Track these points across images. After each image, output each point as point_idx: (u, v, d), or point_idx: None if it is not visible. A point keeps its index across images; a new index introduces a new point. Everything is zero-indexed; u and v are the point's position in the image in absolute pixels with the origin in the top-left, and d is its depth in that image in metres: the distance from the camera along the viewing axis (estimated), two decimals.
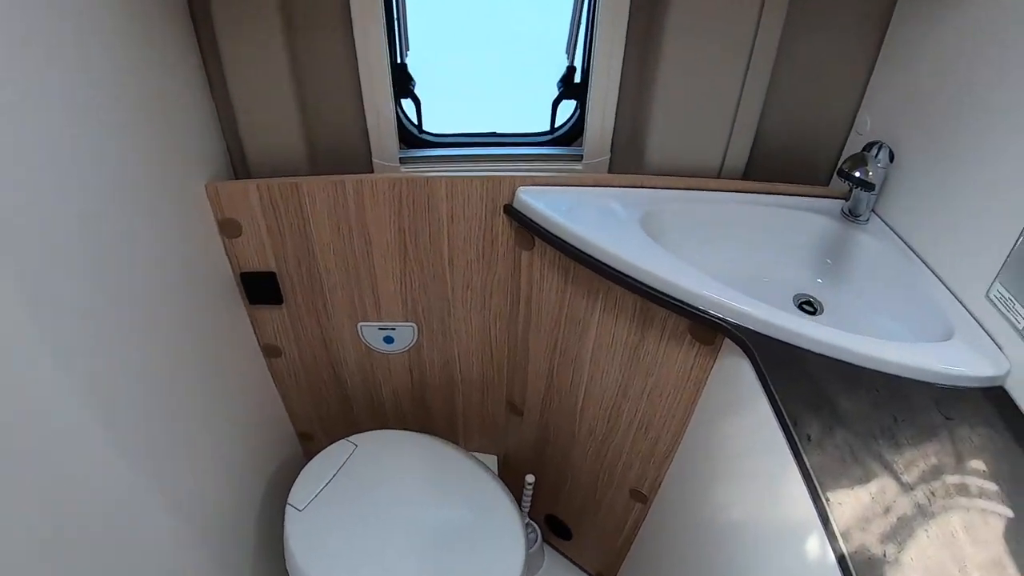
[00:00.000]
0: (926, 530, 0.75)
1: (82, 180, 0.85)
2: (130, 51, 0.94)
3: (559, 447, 1.53)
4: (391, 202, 1.19)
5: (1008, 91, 0.97)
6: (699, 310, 0.99)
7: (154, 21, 1.00)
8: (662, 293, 1.01)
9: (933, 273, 1.11)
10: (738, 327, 0.97)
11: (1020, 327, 0.94)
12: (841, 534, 0.73)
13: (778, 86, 1.22)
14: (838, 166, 1.15)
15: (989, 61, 1.00)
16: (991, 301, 1.00)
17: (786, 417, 0.83)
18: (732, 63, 1.17)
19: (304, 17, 1.10)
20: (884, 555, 0.72)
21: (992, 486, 0.82)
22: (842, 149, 1.34)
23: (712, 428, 1.11)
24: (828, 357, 0.93)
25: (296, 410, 1.62)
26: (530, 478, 1.60)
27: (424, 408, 1.66)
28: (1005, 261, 0.97)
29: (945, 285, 1.09)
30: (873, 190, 1.13)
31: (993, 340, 1.00)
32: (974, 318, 1.03)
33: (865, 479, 0.78)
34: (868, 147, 1.17)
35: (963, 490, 0.81)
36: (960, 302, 1.06)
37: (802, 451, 0.79)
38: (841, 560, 0.71)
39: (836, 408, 0.86)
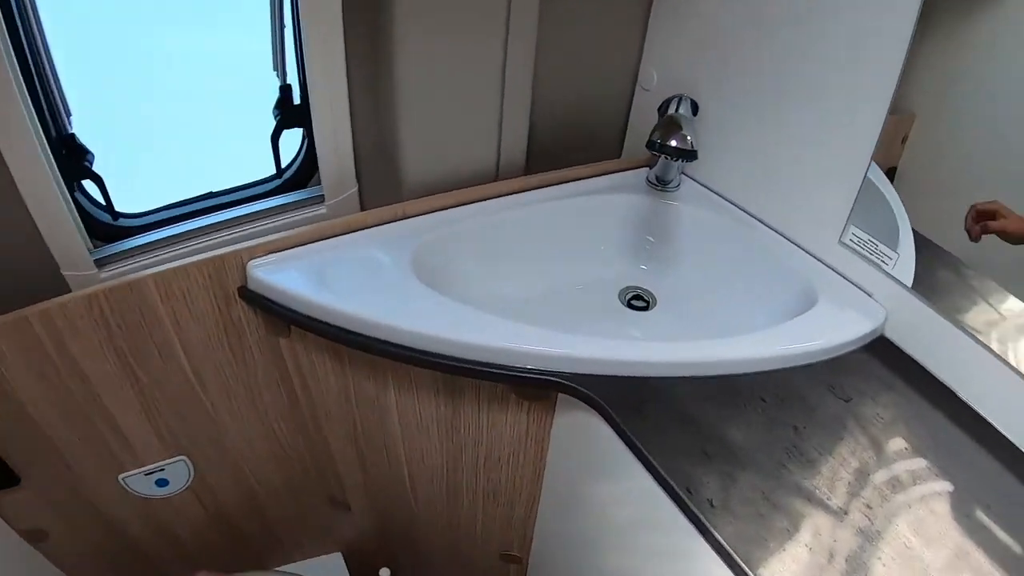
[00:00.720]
0: (879, 557, 0.61)
1: None
2: None
3: (402, 529, 1.37)
4: (95, 325, 0.90)
5: (781, 22, 0.89)
6: (506, 369, 0.77)
7: None
8: (454, 359, 0.78)
9: (773, 230, 0.99)
10: (563, 375, 0.76)
11: (888, 267, 0.86)
12: None
13: (547, 59, 1.06)
14: (648, 138, 0.98)
15: (752, 8, 0.92)
16: (848, 247, 0.90)
17: (675, 487, 0.63)
18: (487, 42, 0.98)
19: None
20: None
21: (920, 462, 0.72)
22: (629, 112, 1.21)
23: (577, 489, 0.92)
24: (693, 378, 0.76)
25: None
26: (384, 572, 1.40)
27: (236, 535, 1.40)
28: (856, 199, 0.87)
29: (791, 241, 0.97)
30: (696, 157, 0.96)
31: (861, 289, 0.90)
32: (834, 270, 0.93)
33: (794, 528, 0.62)
34: (665, 105, 1.02)
35: (897, 485, 0.69)
36: (813, 256, 0.95)
37: (710, 526, 0.60)
38: None
39: (728, 446, 0.68)
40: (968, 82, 0.76)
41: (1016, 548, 0.66)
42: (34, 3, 0.83)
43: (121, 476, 1.11)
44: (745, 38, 0.95)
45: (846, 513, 0.64)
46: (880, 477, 0.69)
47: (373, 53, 0.94)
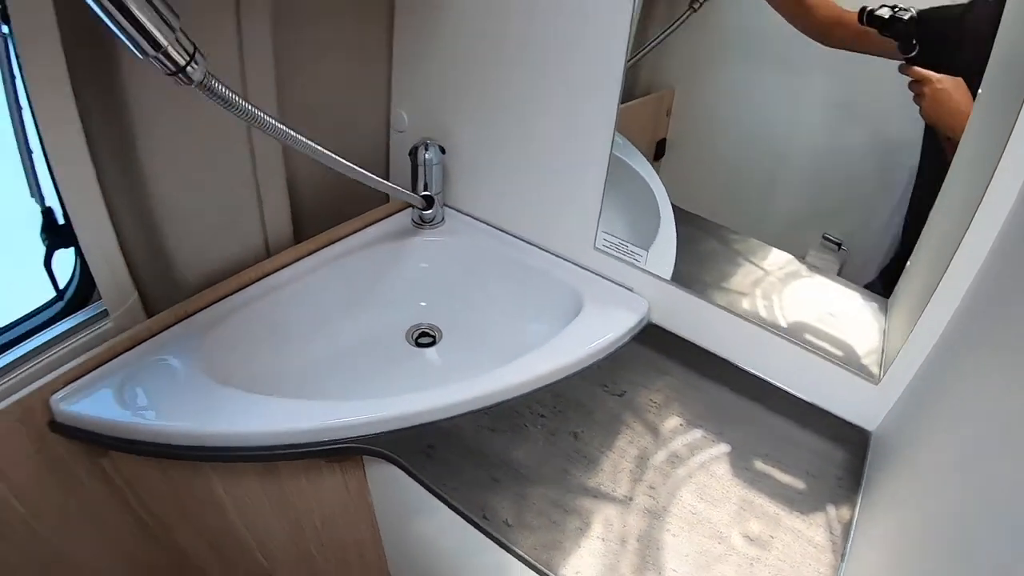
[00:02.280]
0: (668, 529, 0.72)
1: None
2: None
3: None
4: None
5: (515, 51, 1.00)
6: (303, 447, 0.84)
7: None
8: (252, 449, 0.84)
9: (534, 246, 1.11)
10: (356, 439, 0.84)
11: (641, 263, 0.98)
12: None
13: (295, 122, 1.09)
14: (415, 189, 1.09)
15: (487, 41, 1.03)
16: (602, 251, 1.02)
17: (472, 518, 0.72)
18: (228, 134, 1.03)
19: None
20: None
21: (697, 433, 0.84)
22: (388, 156, 1.30)
23: (410, 530, 0.99)
24: (473, 412, 0.85)
25: None
26: None
27: None
28: (601, 208, 0.99)
29: (552, 253, 1.09)
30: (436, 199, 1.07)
31: (622, 286, 1.03)
32: (595, 273, 1.05)
33: (586, 525, 0.72)
34: (415, 151, 1.11)
35: (676, 461, 0.80)
36: (575, 264, 1.07)
37: (509, 543, 0.69)
38: None
39: (515, 467, 0.77)
40: (722, 57, 0.89)
41: (797, 483, 0.78)
42: None
43: None
44: (474, 74, 1.07)
45: (631, 499, 0.74)
46: (659, 458, 0.80)
47: (122, 160, 0.95)
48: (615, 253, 1.00)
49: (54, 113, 0.85)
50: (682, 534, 0.71)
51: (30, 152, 0.91)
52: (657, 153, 0.98)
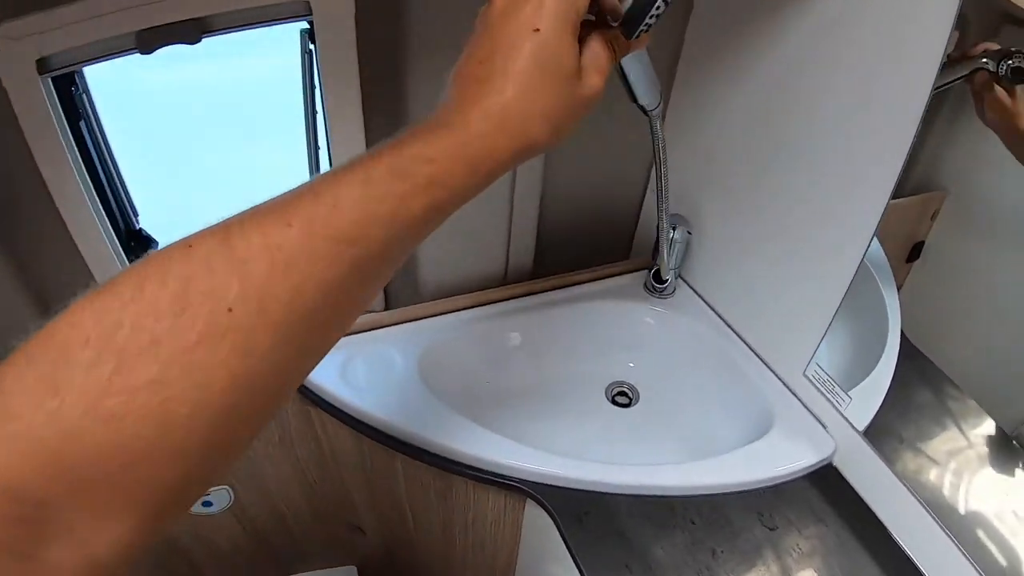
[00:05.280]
0: None
1: None
2: None
3: (406, 556, 1.67)
4: None
5: (790, 150, 1.01)
6: (484, 473, 1.01)
7: None
8: (440, 459, 1.03)
9: (748, 347, 1.18)
10: (529, 483, 0.99)
11: (842, 408, 1.01)
12: None
13: (557, 170, 1.25)
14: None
15: (768, 125, 1.04)
16: (809, 380, 1.07)
17: None
18: None
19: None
20: None
21: None
22: (639, 216, 1.42)
23: (543, 567, 1.15)
24: (637, 496, 0.97)
25: None
26: None
27: (267, 547, 1.75)
28: (821, 338, 1.03)
29: (762, 360, 1.16)
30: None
31: (816, 419, 1.07)
32: (795, 396, 1.10)
33: None
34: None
35: None
36: (780, 379, 1.13)
37: None
38: None
39: (649, 563, 0.89)
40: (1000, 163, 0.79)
41: None
42: (100, 122, 1.05)
43: None
44: (739, 164, 1.12)
45: None
46: None
47: None
48: (820, 388, 1.05)
49: (341, 114, 1.04)
50: None
51: (317, 147, 1.13)
52: (910, 255, 0.93)
